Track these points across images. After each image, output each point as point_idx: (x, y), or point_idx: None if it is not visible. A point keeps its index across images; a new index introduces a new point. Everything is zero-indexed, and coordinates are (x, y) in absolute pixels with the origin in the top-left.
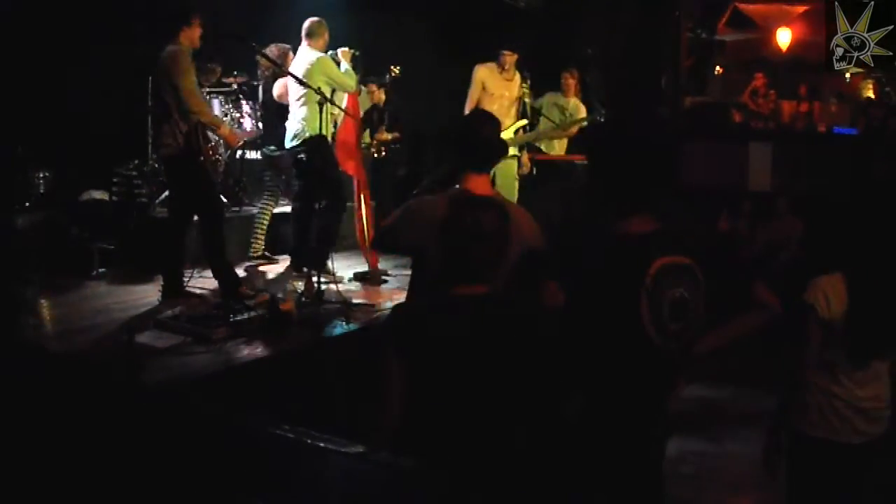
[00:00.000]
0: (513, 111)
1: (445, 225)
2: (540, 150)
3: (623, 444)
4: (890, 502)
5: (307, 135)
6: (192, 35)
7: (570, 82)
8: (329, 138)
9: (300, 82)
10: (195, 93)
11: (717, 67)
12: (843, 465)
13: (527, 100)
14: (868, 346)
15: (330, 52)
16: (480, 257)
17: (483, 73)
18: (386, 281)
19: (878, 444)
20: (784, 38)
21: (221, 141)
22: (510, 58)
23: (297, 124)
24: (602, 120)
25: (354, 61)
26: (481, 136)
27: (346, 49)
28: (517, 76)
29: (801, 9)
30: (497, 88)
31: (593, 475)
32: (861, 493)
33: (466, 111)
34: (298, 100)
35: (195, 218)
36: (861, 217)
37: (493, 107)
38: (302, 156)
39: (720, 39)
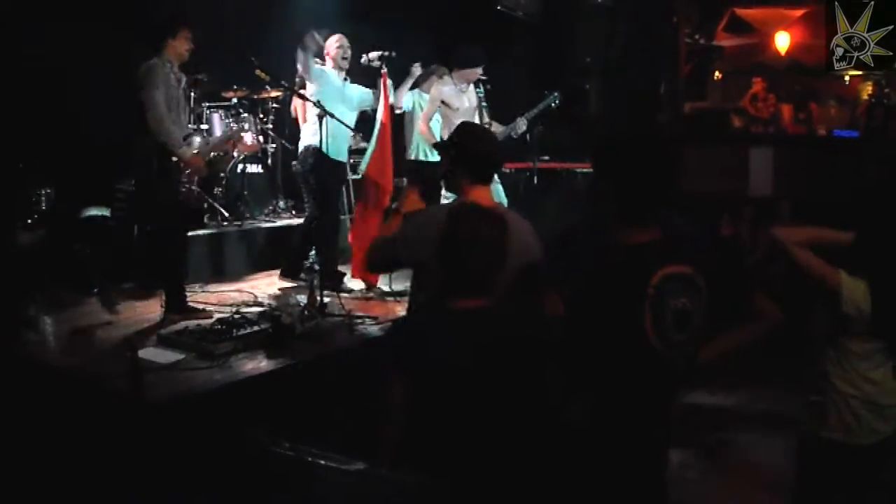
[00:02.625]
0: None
1: (443, 236)
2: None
3: (626, 451)
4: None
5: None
6: (178, 48)
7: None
8: (325, 150)
9: (301, 97)
10: (157, 111)
11: (716, 73)
12: (857, 465)
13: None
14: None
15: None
16: (479, 269)
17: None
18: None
19: (889, 443)
20: (783, 42)
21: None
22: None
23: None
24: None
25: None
26: (477, 151)
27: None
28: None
29: (799, 12)
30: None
31: (597, 483)
32: (871, 492)
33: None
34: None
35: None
36: (873, 221)
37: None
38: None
39: (718, 45)
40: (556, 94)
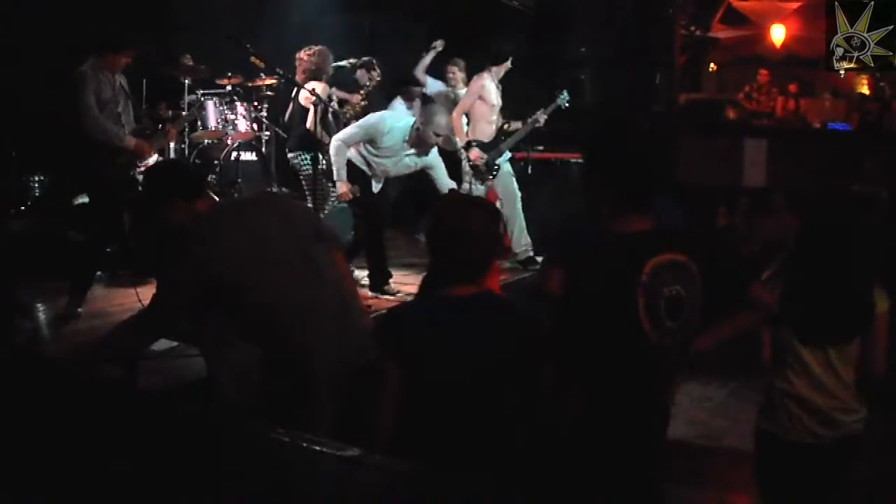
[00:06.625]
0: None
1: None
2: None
3: (620, 440)
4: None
5: None
6: (116, 61)
7: (458, 75)
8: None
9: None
10: (90, 113)
11: (712, 64)
12: (794, 463)
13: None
14: (810, 335)
15: None
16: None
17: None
18: None
19: (841, 449)
20: (778, 34)
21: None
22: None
23: None
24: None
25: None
26: None
27: None
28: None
29: (794, 5)
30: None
31: (591, 473)
32: (824, 495)
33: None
34: None
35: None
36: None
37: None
38: None
39: (714, 36)
40: (564, 93)
